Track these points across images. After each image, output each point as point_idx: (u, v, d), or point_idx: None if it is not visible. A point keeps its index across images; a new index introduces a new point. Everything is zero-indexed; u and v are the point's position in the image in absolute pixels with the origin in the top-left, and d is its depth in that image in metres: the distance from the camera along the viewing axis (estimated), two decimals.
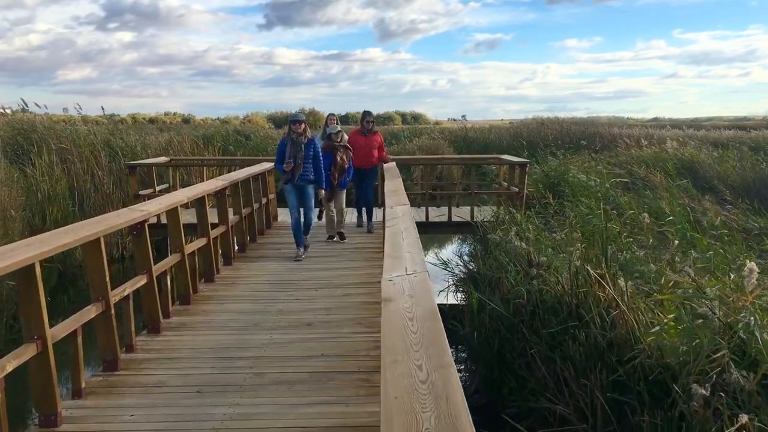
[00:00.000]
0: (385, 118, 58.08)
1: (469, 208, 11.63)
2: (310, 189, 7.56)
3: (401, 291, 2.36)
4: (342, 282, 6.41)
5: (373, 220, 9.40)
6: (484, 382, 5.93)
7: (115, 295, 4.24)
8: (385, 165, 9.05)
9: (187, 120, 51.86)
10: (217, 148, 19.29)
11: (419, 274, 2.57)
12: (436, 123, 54.60)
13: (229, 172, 11.82)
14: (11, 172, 10.52)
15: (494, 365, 5.79)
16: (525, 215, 8.88)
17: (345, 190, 8.60)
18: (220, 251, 7.03)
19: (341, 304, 5.67)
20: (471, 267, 8.61)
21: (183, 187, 10.73)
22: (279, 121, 46.39)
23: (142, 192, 10.37)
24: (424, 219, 10.40)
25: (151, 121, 50.33)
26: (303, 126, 7.46)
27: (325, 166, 7.74)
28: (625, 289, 4.54)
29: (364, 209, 9.57)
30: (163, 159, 11.70)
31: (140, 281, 4.67)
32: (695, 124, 36.89)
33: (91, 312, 3.94)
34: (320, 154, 7.57)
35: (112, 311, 4.10)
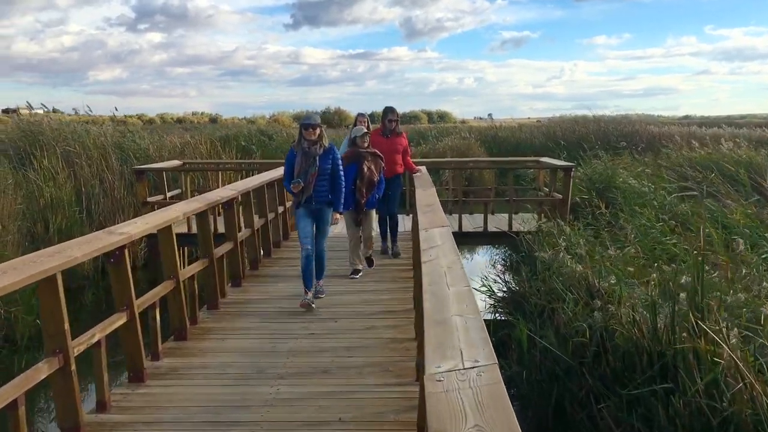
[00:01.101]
0: (411, 117, 57.31)
1: (505, 216, 10.63)
2: (328, 213, 5.77)
3: (458, 411, 1.42)
4: (365, 310, 5.47)
5: (399, 229, 7.83)
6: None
7: (81, 344, 3.37)
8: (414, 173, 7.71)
9: (214, 119, 51.74)
10: (239, 149, 18.58)
11: (485, 369, 1.62)
12: (462, 121, 53.59)
13: (247, 176, 10.98)
14: (7, 177, 9.78)
15: (549, 415, 4.82)
16: (574, 227, 7.85)
17: (374, 211, 6.89)
18: (227, 271, 6.15)
19: (364, 341, 4.73)
20: (512, 286, 7.62)
21: (199, 193, 9.94)
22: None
23: (150, 199, 9.59)
24: (457, 229, 9.44)
25: (179, 121, 50.35)
26: (318, 131, 5.50)
27: (348, 180, 6.08)
28: (743, 349, 3.50)
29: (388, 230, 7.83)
30: (175, 162, 10.90)
31: (117, 321, 3.79)
32: (728, 121, 35.13)
33: (42, 372, 3.06)
34: (340, 166, 5.69)
35: (73, 367, 3.22)
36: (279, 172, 8.64)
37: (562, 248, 6.62)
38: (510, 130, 28.87)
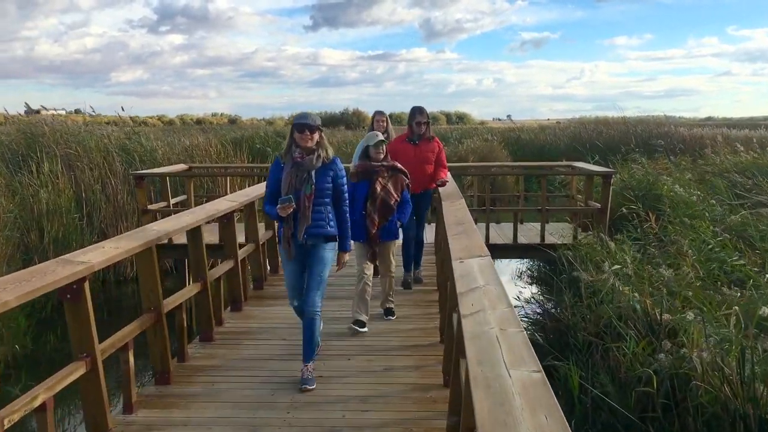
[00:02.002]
0: (430, 118, 56.34)
1: (534, 225, 9.77)
2: (327, 253, 4.03)
3: None
4: (382, 345, 4.66)
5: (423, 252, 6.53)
6: None
7: (14, 412, 2.60)
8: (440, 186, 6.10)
9: (233, 121, 51.65)
10: (254, 151, 17.84)
11: None
12: (481, 123, 52.82)
13: (259, 182, 10.23)
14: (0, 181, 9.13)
15: None
16: (617, 242, 6.98)
17: (395, 243, 5.18)
18: (224, 294, 5.39)
19: (382, 388, 3.91)
20: (550, 307, 6.77)
21: (208, 200, 9.23)
22: (324, 121, 45.27)
23: (152, 206, 8.86)
24: (483, 240, 8.59)
25: (198, 122, 50.38)
26: (316, 136, 3.90)
27: (357, 204, 4.74)
28: None
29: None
30: (181, 167, 10.18)
31: (74, 372, 3.03)
32: (752, 123, 33.76)
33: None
34: (345, 186, 4.08)
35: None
36: None
37: (609, 270, 5.75)
38: (533, 131, 27.87)
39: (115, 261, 3.38)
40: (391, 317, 5.19)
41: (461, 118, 61.35)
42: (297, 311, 4.16)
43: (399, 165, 5.01)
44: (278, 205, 3.80)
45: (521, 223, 9.44)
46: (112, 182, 10.84)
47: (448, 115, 62.07)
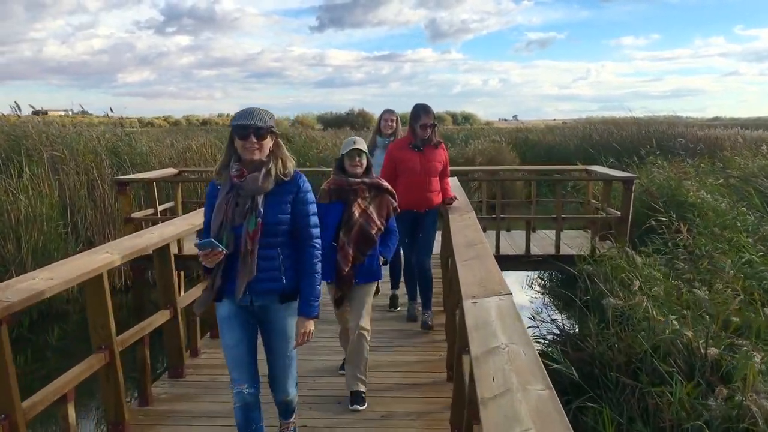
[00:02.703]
0: (436, 119, 55.95)
1: (547, 233, 9.11)
2: (288, 320, 2.77)
3: None
4: (380, 383, 3.99)
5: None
6: None
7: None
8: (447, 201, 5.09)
9: None
10: None
11: None
12: (487, 123, 52.28)
13: None
14: None
15: None
16: (643, 255, 6.30)
17: (374, 286, 3.78)
18: (199, 322, 4.75)
19: None
20: (570, 329, 6.11)
21: (199, 206, 8.64)
22: (328, 121, 45.06)
23: (136, 214, 8.25)
24: (494, 251, 7.94)
25: (204, 122, 50.26)
26: (266, 143, 2.61)
27: (327, 232, 3.46)
28: None
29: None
30: (169, 171, 9.57)
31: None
32: (759, 123, 32.94)
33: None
34: (313, 216, 2.75)
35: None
36: None
37: (640, 292, 5.08)
38: (541, 132, 27.12)
39: (47, 296, 2.73)
40: (358, 406, 3.61)
41: (467, 118, 60.87)
42: (244, 400, 2.71)
43: (385, 183, 3.78)
44: (199, 252, 2.51)
45: (533, 230, 8.77)
46: (100, 187, 10.24)
47: (453, 116, 61.62)
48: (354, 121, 44.06)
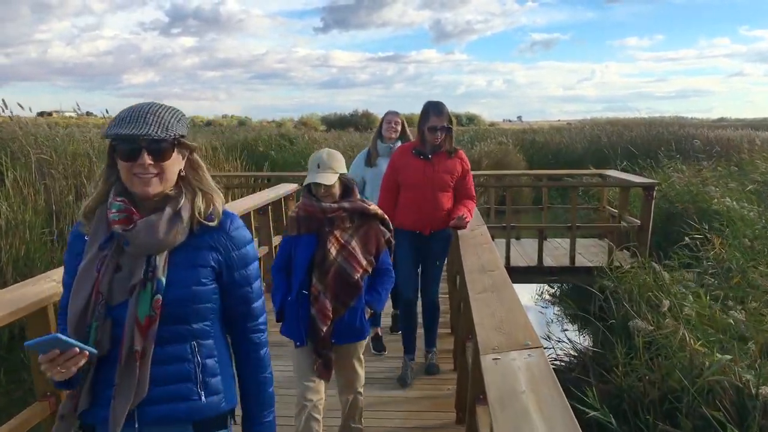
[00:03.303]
0: (452, 121, 55.81)
1: (560, 242, 8.60)
2: None
3: None
4: (377, 427, 3.49)
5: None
6: None
7: None
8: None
9: (243, 122, 51.22)
10: (256, 156, 16.74)
11: None
12: (491, 124, 51.80)
13: (250, 193, 9.16)
14: None
15: None
16: (669, 270, 5.76)
17: (362, 345, 2.91)
18: None
19: None
20: (587, 351, 5.57)
21: None
22: (332, 122, 44.73)
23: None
24: (504, 263, 7.43)
25: (208, 123, 50.23)
26: (165, 163, 1.50)
27: (297, 274, 2.73)
28: None
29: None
30: None
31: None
32: (766, 124, 32.31)
33: None
34: (254, 280, 1.67)
35: None
36: (277, 191, 6.80)
37: (668, 311, 4.55)
38: (548, 133, 26.49)
39: None
40: None
41: (471, 119, 60.49)
42: None
43: (372, 207, 2.79)
44: (40, 356, 1.39)
45: (545, 239, 8.24)
46: (89, 192, 9.76)
47: (458, 117, 61.29)
48: (358, 122, 43.62)
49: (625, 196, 7.94)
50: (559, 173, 10.15)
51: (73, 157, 10.24)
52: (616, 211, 8.23)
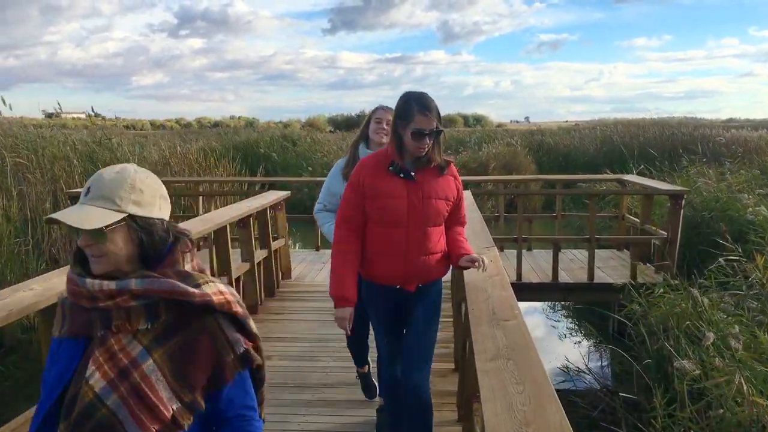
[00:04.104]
0: (447, 121, 55.46)
1: (575, 253, 7.86)
2: None
3: None
4: None
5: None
6: None
7: None
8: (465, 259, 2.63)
9: (251, 123, 50.91)
10: (257, 158, 16.05)
11: None
12: (499, 125, 51.12)
13: (239, 199, 8.46)
14: None
15: None
16: (705, 292, 5.02)
17: None
18: None
19: None
20: (609, 384, 4.84)
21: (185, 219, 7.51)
22: (339, 123, 44.20)
23: None
24: (515, 278, 6.70)
25: (216, 125, 50.07)
26: None
27: (40, 411, 1.33)
28: None
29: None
30: None
31: None
32: None
33: None
34: None
35: None
36: (267, 199, 6.10)
37: (712, 346, 3.82)
38: (558, 134, 25.63)
39: None
40: None
41: (478, 120, 59.89)
42: None
43: (206, 288, 1.32)
44: None
45: (559, 250, 7.48)
46: (66, 199, 9.10)
47: (465, 118, 60.66)
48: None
49: (649, 204, 7.19)
50: (574, 178, 9.38)
51: (52, 161, 9.59)
52: (637, 220, 7.49)
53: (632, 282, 6.23)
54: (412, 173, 2.57)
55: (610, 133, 22.44)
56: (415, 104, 2.53)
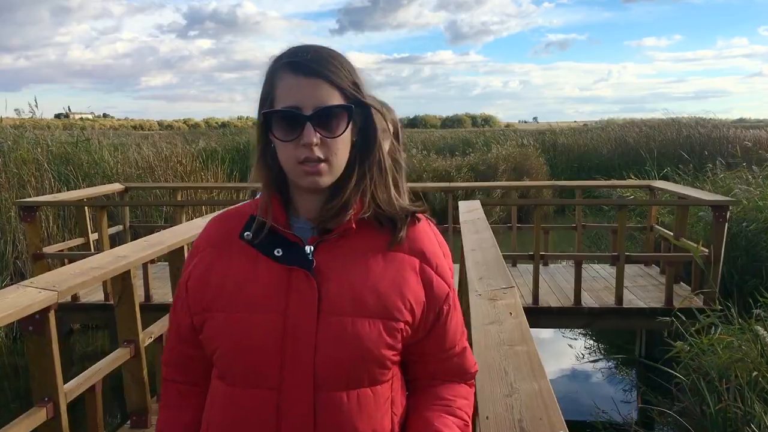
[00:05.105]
0: (455, 121, 54.81)
1: (599, 270, 6.95)
2: None
3: None
4: None
5: None
6: None
7: None
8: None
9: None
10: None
11: None
12: (507, 125, 50.41)
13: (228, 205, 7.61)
14: None
15: None
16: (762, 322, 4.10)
17: None
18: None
19: None
20: None
21: (149, 232, 6.73)
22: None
23: (50, 249, 6.20)
24: (531, 301, 5.79)
25: (223, 125, 50.10)
26: None
27: None
28: None
29: None
30: (114, 187, 7.53)
31: None
32: None
33: None
34: None
35: None
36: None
37: None
38: (569, 135, 24.54)
39: None
40: None
41: (486, 120, 59.25)
42: None
43: None
44: None
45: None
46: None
47: (473, 118, 60.05)
48: None
49: (684, 215, 6.27)
50: (596, 185, 8.39)
51: (20, 164, 8.76)
52: (668, 232, 6.59)
53: (668, 308, 5.38)
54: (307, 248, 1.05)
55: (623, 134, 21.47)
56: (283, 59, 1.05)
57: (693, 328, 4.03)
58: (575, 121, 49.88)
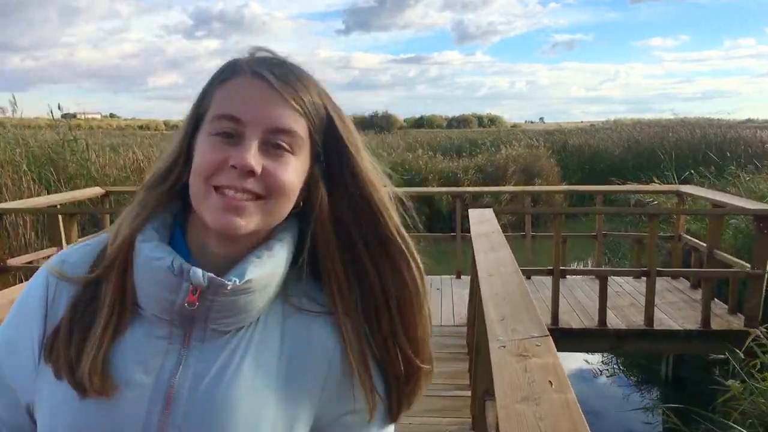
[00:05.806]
0: (460, 121, 54.51)
1: (622, 284, 6.31)
2: None
3: None
4: None
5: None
6: None
7: None
8: None
9: None
10: None
11: None
12: (514, 125, 49.90)
13: None
14: None
15: None
16: None
17: None
18: None
19: None
20: None
21: None
22: (353, 124, 43.24)
23: (15, 261, 5.62)
24: (549, 321, 5.15)
25: None
26: None
27: None
28: None
29: None
30: (93, 191, 6.94)
31: None
32: None
33: None
34: None
35: None
36: None
37: None
38: (578, 135, 23.81)
39: None
40: None
41: (492, 120, 58.78)
42: None
43: None
44: None
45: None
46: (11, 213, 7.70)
47: (479, 118, 59.64)
48: (378, 123, 41.85)
49: (719, 224, 5.63)
50: (617, 189, 7.68)
51: (3, 165, 8.21)
52: (699, 242, 5.95)
53: (705, 329, 4.77)
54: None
55: (635, 134, 20.81)
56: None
57: (750, 364, 3.39)
58: (582, 122, 49.36)
